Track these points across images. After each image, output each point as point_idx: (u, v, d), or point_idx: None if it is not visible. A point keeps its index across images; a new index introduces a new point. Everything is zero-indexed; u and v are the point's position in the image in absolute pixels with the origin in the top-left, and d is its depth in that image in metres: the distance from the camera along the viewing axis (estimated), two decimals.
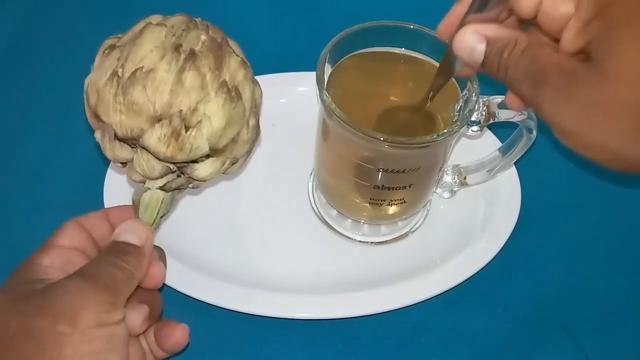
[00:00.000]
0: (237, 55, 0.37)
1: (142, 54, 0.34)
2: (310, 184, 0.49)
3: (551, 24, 0.31)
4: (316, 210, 0.48)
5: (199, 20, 0.37)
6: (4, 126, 0.52)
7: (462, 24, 0.32)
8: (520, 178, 0.48)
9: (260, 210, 0.48)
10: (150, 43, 0.34)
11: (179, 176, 0.37)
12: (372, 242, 0.47)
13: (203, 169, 0.36)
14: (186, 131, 0.34)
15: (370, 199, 0.44)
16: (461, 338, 0.44)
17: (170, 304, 0.38)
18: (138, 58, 0.34)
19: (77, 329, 0.29)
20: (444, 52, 0.36)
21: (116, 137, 0.34)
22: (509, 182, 0.48)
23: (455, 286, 0.44)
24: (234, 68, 0.36)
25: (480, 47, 0.31)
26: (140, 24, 0.36)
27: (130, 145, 0.35)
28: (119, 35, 0.37)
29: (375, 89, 0.42)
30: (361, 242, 0.47)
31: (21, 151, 0.51)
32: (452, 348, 0.44)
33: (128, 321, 0.33)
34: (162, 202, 0.36)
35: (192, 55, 0.34)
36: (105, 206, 0.45)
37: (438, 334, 0.44)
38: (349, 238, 0.47)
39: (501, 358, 0.44)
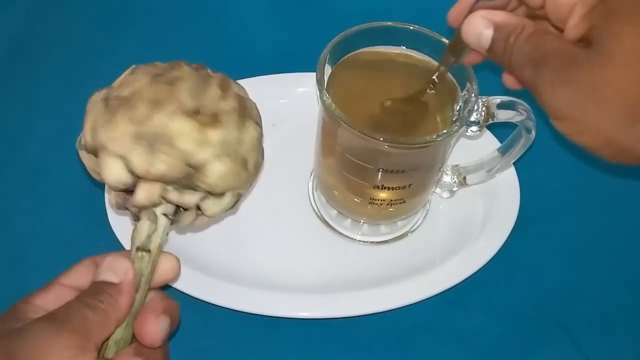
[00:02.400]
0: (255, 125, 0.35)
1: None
2: (310, 184, 0.50)
3: (558, 12, 0.31)
4: (316, 210, 0.48)
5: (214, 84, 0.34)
6: (4, 126, 0.52)
7: (471, 10, 0.33)
8: (519, 178, 0.49)
9: (260, 210, 0.48)
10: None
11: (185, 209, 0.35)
12: (371, 242, 0.47)
13: (213, 206, 0.34)
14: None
15: (370, 199, 0.44)
16: (461, 337, 0.44)
17: None
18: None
19: None
20: (452, 37, 0.37)
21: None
22: (508, 182, 0.48)
23: (455, 286, 0.44)
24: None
25: (488, 32, 0.32)
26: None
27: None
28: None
29: (375, 89, 0.42)
30: (361, 241, 0.47)
31: (21, 151, 0.51)
32: (451, 347, 0.44)
33: (152, 333, 0.32)
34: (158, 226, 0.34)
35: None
36: (107, 206, 0.45)
37: (438, 334, 0.44)
38: (349, 238, 0.47)
39: (500, 357, 0.44)
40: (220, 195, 0.34)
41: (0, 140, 0.52)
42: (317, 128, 0.44)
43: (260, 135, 0.36)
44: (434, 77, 0.39)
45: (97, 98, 0.34)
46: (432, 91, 0.40)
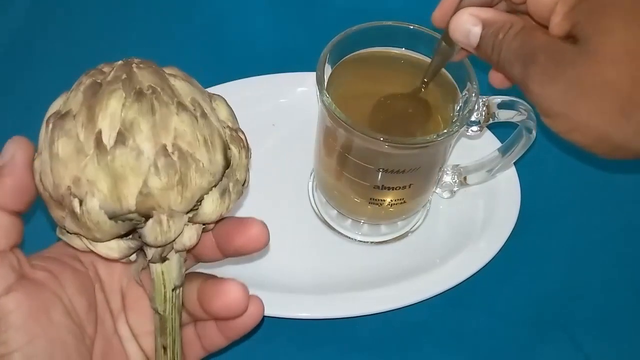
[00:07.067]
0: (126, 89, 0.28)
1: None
2: (310, 184, 0.50)
3: (540, 9, 0.31)
4: (316, 210, 0.48)
5: (116, 65, 0.29)
6: (4, 126, 0.52)
7: (458, 8, 0.33)
8: (519, 178, 0.48)
9: (260, 210, 0.47)
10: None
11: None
12: (372, 242, 0.47)
13: (147, 234, 0.28)
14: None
15: (370, 199, 0.44)
16: (461, 338, 0.44)
17: None
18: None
19: None
20: (440, 37, 0.37)
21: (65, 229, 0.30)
22: (508, 182, 0.48)
23: (455, 286, 0.44)
24: (114, 108, 0.27)
25: (476, 30, 0.32)
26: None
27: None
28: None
29: (375, 89, 0.42)
30: (361, 242, 0.47)
31: None
32: (452, 348, 0.44)
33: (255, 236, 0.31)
34: (162, 274, 0.31)
35: (61, 119, 0.28)
36: None
37: (438, 334, 0.44)
38: (349, 238, 0.47)
39: (501, 357, 0.44)
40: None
41: (0, 140, 0.51)
42: (317, 128, 0.44)
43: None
44: (425, 80, 0.39)
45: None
46: (423, 88, 0.40)
